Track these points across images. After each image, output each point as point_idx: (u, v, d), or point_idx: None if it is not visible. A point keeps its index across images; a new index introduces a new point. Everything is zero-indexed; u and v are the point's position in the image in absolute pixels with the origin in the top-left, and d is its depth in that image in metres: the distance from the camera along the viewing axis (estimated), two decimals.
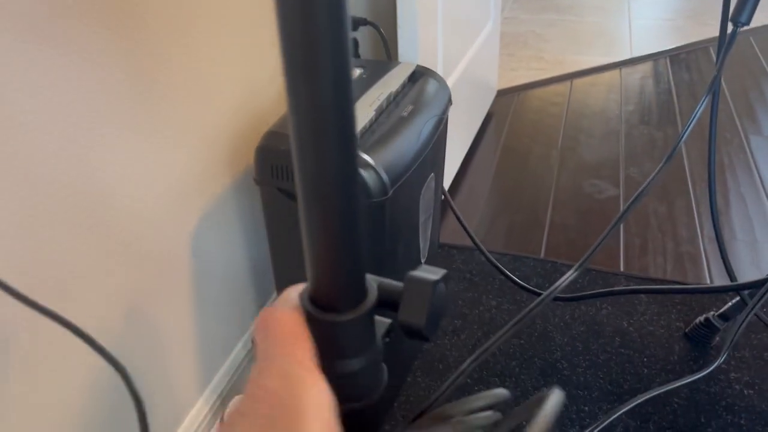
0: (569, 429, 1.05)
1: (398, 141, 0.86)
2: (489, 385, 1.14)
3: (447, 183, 1.64)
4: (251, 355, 1.09)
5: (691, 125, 0.70)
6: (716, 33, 0.96)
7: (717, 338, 1.19)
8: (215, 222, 0.94)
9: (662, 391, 1.03)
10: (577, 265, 0.73)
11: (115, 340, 0.77)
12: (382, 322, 0.32)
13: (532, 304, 0.56)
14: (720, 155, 1.81)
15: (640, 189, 0.73)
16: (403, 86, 0.98)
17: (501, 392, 0.37)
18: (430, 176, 1.00)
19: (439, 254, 1.45)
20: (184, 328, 0.91)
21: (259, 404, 0.26)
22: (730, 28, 0.79)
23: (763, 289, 0.88)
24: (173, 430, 0.93)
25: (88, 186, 0.68)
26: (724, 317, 1.15)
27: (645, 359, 1.17)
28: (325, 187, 0.26)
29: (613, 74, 2.34)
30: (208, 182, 0.90)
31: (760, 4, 0.81)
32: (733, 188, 1.66)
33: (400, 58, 1.22)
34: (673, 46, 2.54)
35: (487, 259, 1.21)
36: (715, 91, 0.80)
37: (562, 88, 2.25)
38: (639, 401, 1.02)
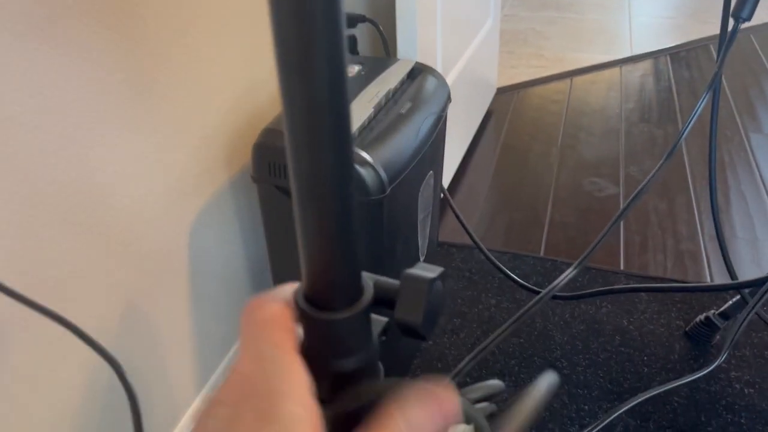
0: (569, 428, 1.05)
1: (397, 138, 0.85)
2: None
3: (446, 181, 1.64)
4: None
5: (692, 121, 0.70)
6: (717, 31, 0.95)
7: (717, 337, 1.19)
8: (213, 220, 0.93)
9: (662, 390, 1.03)
10: (577, 262, 0.72)
11: (113, 339, 0.76)
12: (379, 320, 0.32)
13: (531, 302, 0.56)
14: (720, 153, 1.80)
15: (640, 186, 0.73)
16: (402, 83, 0.97)
17: (496, 383, 0.36)
18: (429, 174, 1.00)
19: (438, 252, 1.44)
20: (181, 327, 0.91)
21: (233, 389, 0.25)
22: (731, 24, 0.78)
23: (764, 288, 0.87)
24: (170, 429, 0.93)
25: (87, 185, 0.68)
26: (724, 316, 1.15)
27: (645, 358, 1.17)
28: (320, 182, 0.26)
29: (614, 72, 2.34)
30: (206, 181, 0.90)
31: (761, 1, 0.81)
32: (734, 186, 1.65)
33: (399, 56, 1.22)
34: (674, 44, 2.53)
35: (487, 257, 1.20)
36: (716, 87, 0.79)
37: (562, 85, 2.24)
38: (639, 400, 1.02)
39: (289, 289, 0.30)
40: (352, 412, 0.28)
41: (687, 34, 2.62)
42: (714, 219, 1.06)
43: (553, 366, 1.15)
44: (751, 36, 2.54)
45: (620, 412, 1.03)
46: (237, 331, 1.07)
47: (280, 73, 0.24)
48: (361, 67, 0.98)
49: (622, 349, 1.19)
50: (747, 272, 1.37)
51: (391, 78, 0.95)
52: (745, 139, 1.86)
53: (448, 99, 1.02)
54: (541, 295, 0.57)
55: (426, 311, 0.29)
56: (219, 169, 0.92)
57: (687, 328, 1.21)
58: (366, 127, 0.86)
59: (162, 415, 0.90)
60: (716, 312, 1.16)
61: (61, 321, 0.50)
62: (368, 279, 0.31)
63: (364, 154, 0.80)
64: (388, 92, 0.92)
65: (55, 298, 0.66)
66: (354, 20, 1.19)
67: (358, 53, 1.24)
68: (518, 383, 1.13)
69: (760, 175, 1.69)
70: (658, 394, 1.06)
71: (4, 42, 0.56)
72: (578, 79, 2.28)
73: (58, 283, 0.67)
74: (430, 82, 0.99)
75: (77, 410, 0.73)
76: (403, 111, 0.90)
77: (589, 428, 1.02)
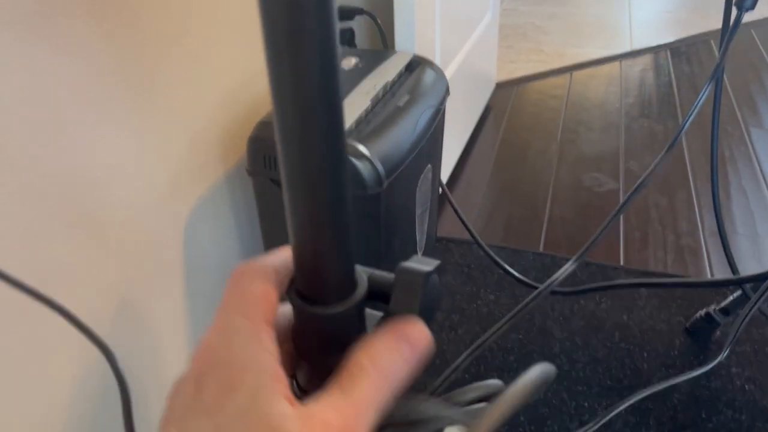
0: (568, 425, 1.04)
1: (394, 131, 0.84)
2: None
3: (445, 176, 1.63)
4: None
5: (694, 113, 0.69)
6: (717, 26, 0.94)
7: (718, 333, 1.18)
8: (209, 214, 0.92)
9: (663, 387, 1.02)
10: (576, 257, 0.71)
11: (106, 333, 0.75)
12: (374, 315, 0.31)
13: (530, 297, 0.55)
14: (721, 148, 1.79)
15: (640, 179, 0.71)
16: (400, 76, 0.96)
17: (495, 383, 0.35)
18: (427, 168, 0.99)
19: (437, 248, 1.43)
20: (177, 321, 0.90)
21: (198, 362, 0.24)
22: (734, 13, 0.77)
23: (766, 283, 0.86)
24: None
25: (82, 180, 0.67)
26: (725, 312, 1.14)
27: (645, 354, 1.16)
28: (311, 173, 0.25)
29: (613, 66, 2.32)
30: (201, 174, 0.89)
31: None
32: (734, 181, 1.64)
33: (397, 49, 1.20)
34: (674, 39, 2.52)
35: (486, 252, 1.19)
36: (718, 78, 0.78)
37: (561, 80, 2.23)
38: (639, 397, 1.01)
39: (282, 254, 0.29)
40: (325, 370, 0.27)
41: (687, 29, 2.60)
42: (716, 214, 1.05)
43: (552, 362, 1.14)
44: (752, 30, 2.53)
45: (620, 409, 1.02)
46: None
47: (268, 57, 0.23)
48: (358, 60, 0.96)
49: (622, 345, 1.18)
50: (747, 268, 1.36)
51: (388, 71, 0.94)
52: (745, 134, 1.85)
53: (447, 92, 1.01)
54: (540, 289, 0.56)
55: (422, 306, 0.28)
56: (214, 163, 0.92)
57: (687, 324, 1.20)
58: (363, 120, 0.84)
59: (155, 409, 0.89)
60: (717, 308, 1.15)
61: (51, 304, 0.49)
62: (362, 272, 0.29)
63: (361, 148, 0.79)
64: (385, 85, 0.91)
65: (48, 292, 0.65)
66: (351, 13, 1.17)
67: (355, 46, 1.23)
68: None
69: (761, 170, 1.68)
70: (658, 390, 1.05)
71: (1, 38, 0.55)
72: (578, 74, 2.27)
73: (52, 276, 0.66)
74: (429, 75, 0.98)
75: (69, 402, 0.72)
76: (400, 104, 0.89)
77: (589, 425, 1.01)
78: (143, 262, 0.80)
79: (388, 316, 0.28)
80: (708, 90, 0.74)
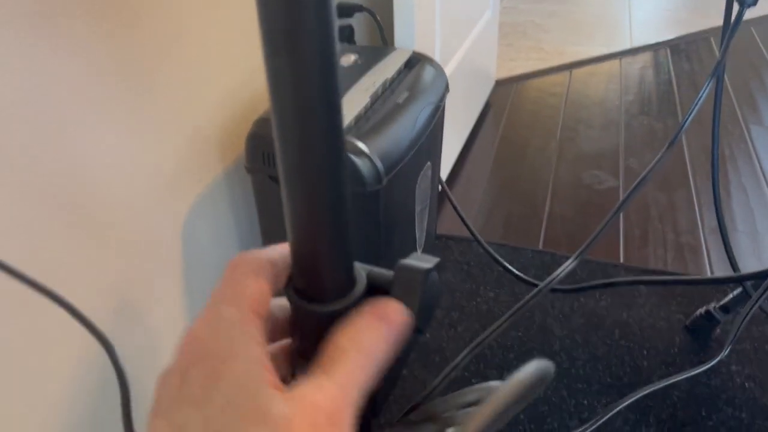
0: (568, 422, 1.04)
1: (393, 128, 0.84)
2: (487, 379, 1.12)
3: (444, 173, 1.62)
4: None
5: (695, 110, 0.68)
6: (718, 23, 0.94)
7: (718, 330, 1.18)
8: (208, 212, 0.92)
9: (663, 385, 1.02)
10: (576, 254, 0.71)
11: (106, 331, 0.75)
12: None
13: (530, 295, 0.55)
14: (721, 146, 1.79)
15: (640, 177, 0.71)
16: (399, 72, 0.95)
17: (494, 385, 0.35)
18: (427, 165, 0.98)
19: (436, 245, 1.43)
20: (176, 319, 0.90)
21: (184, 354, 0.24)
22: (735, 9, 0.76)
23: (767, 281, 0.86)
24: None
25: (80, 177, 0.67)
26: (725, 309, 1.13)
27: (645, 352, 1.16)
28: (310, 171, 0.25)
29: (613, 64, 2.32)
30: (199, 172, 0.89)
31: None
32: (734, 179, 1.64)
33: (397, 45, 1.20)
34: (674, 36, 2.52)
35: (485, 250, 1.19)
36: (719, 74, 0.78)
37: (561, 78, 2.23)
38: (639, 395, 1.01)
39: (280, 248, 0.29)
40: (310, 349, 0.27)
41: (687, 28, 2.60)
42: (716, 211, 1.05)
43: (552, 360, 1.14)
44: (752, 28, 2.52)
45: (620, 407, 1.02)
46: None
47: (266, 54, 0.22)
48: (357, 57, 0.96)
49: (622, 342, 1.17)
50: (747, 265, 1.36)
51: (388, 67, 0.94)
52: (745, 132, 1.85)
53: (446, 89, 1.00)
54: (540, 287, 0.55)
55: (421, 303, 0.28)
56: (213, 161, 0.91)
57: (687, 322, 1.20)
58: (362, 116, 0.84)
59: None
60: (717, 305, 1.15)
61: (52, 296, 0.49)
62: (362, 270, 0.29)
63: (360, 145, 0.78)
64: (385, 82, 0.90)
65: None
66: (351, 9, 1.17)
67: (355, 43, 1.23)
68: None
69: (761, 168, 1.68)
70: (658, 388, 1.05)
71: (1, 38, 0.55)
72: (578, 72, 2.27)
73: (51, 274, 0.66)
74: (428, 72, 0.98)
75: (69, 395, 0.72)
76: (400, 101, 0.88)
77: (589, 423, 1.01)
78: (143, 260, 0.80)
79: None
80: (709, 86, 0.73)
